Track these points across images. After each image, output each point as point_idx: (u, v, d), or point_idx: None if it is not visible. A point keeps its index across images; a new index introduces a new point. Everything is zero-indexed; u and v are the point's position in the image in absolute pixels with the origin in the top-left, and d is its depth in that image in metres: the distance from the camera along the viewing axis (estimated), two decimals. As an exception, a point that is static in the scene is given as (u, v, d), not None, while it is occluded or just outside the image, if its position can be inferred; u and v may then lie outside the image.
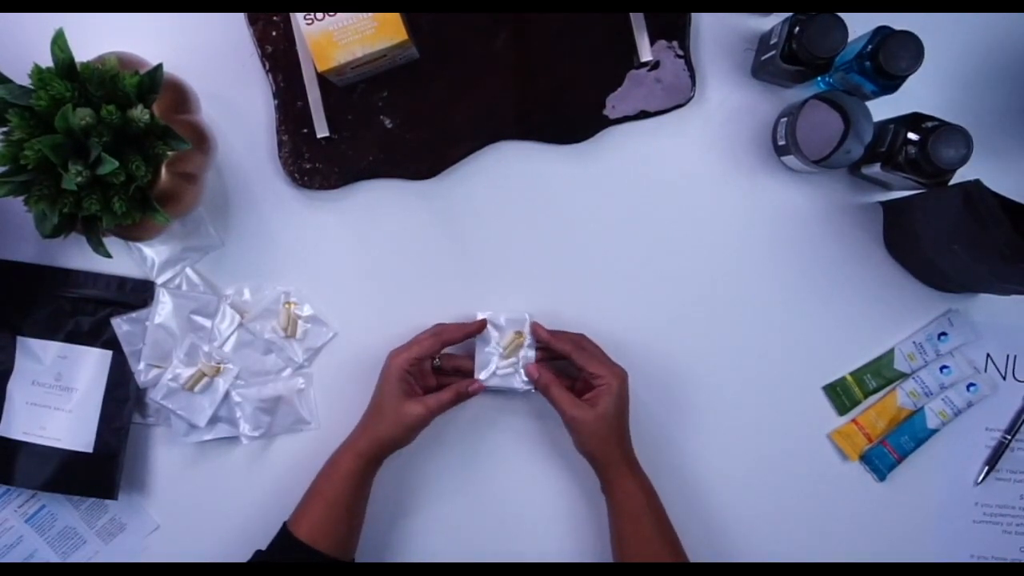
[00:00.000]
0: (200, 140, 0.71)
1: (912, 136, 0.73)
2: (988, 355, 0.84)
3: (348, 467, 0.74)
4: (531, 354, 0.79)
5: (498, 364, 0.79)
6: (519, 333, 0.79)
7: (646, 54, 0.80)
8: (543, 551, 0.84)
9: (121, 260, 0.82)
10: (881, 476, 0.84)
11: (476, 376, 0.79)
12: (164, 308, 0.80)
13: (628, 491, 0.75)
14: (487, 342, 0.80)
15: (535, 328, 0.79)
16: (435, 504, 0.84)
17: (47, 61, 0.63)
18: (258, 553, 0.74)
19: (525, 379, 0.79)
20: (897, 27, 0.72)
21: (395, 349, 0.77)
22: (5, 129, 0.64)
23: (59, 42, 0.63)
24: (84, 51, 0.66)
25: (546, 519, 0.84)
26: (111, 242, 0.70)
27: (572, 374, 0.80)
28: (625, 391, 0.76)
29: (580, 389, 0.78)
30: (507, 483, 0.84)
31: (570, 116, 0.82)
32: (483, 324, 0.79)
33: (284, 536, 0.73)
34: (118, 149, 0.64)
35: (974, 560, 0.84)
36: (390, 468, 0.77)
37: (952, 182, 0.74)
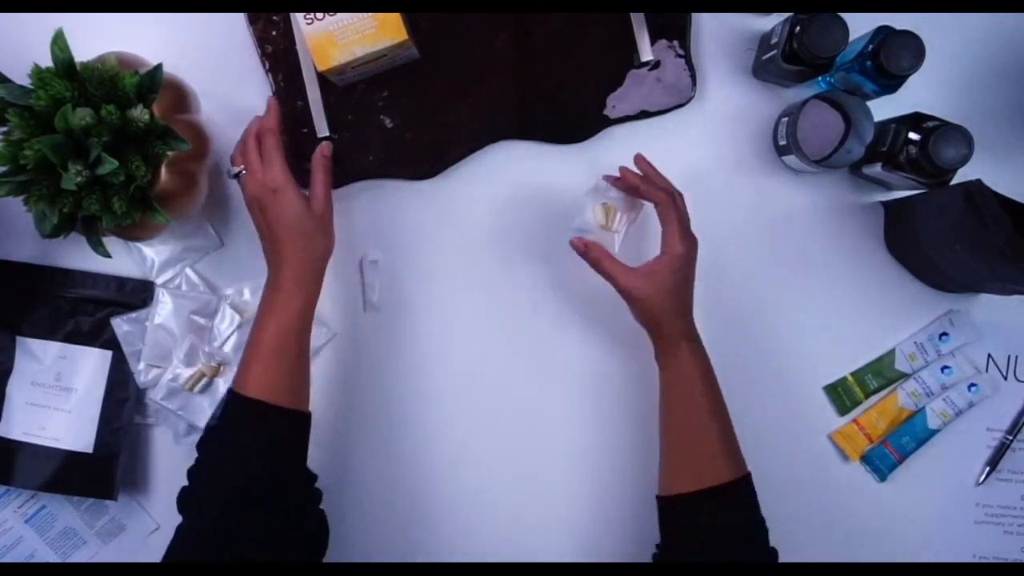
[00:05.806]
0: (200, 140, 0.71)
1: (913, 136, 0.73)
2: (989, 355, 0.84)
3: (297, 325, 0.70)
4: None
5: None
6: (605, 206, 0.75)
7: (647, 54, 0.80)
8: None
9: (121, 260, 0.82)
10: (882, 476, 0.84)
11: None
12: (164, 308, 0.80)
13: (682, 363, 0.72)
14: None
15: (623, 173, 0.75)
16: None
17: (47, 61, 0.63)
18: (209, 423, 0.69)
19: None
20: (898, 27, 0.72)
21: (254, 170, 0.72)
22: (5, 129, 0.64)
23: (59, 42, 0.63)
24: (84, 51, 0.66)
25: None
26: (111, 242, 0.70)
27: None
28: (689, 263, 0.72)
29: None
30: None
31: (571, 116, 0.82)
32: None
33: (233, 400, 0.67)
34: (118, 149, 0.64)
35: (976, 560, 0.84)
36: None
37: (953, 182, 0.74)
